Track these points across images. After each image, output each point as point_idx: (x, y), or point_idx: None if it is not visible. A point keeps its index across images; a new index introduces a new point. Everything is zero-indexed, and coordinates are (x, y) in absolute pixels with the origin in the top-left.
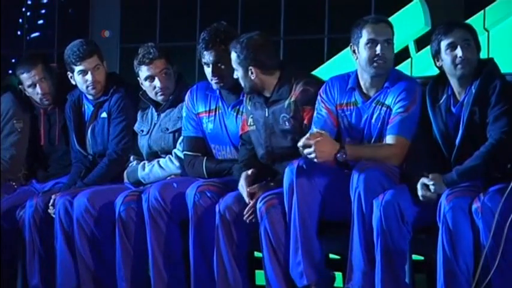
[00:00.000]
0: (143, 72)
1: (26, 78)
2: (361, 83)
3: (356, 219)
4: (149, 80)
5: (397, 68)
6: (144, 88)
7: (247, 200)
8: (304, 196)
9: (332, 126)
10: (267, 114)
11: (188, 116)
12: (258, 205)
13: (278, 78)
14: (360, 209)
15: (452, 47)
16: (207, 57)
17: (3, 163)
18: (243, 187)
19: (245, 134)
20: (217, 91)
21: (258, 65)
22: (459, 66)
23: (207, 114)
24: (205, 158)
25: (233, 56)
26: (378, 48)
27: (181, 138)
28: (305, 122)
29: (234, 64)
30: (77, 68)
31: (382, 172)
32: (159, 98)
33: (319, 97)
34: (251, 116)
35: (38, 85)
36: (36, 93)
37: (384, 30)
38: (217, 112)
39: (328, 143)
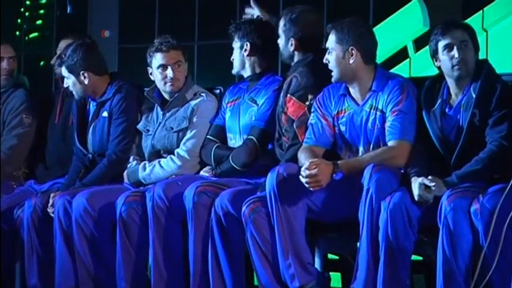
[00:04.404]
0: (157, 59)
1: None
2: (350, 89)
3: (366, 220)
4: (162, 68)
5: (396, 68)
6: (153, 78)
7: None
8: (288, 201)
9: (329, 136)
10: None
11: (221, 106)
12: (242, 210)
13: None
14: (370, 210)
15: (449, 48)
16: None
17: (1, 155)
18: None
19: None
20: (247, 83)
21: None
22: (456, 67)
23: (230, 104)
24: (216, 144)
25: (281, 23)
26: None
27: (185, 138)
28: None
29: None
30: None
31: (392, 173)
32: (168, 89)
33: (316, 106)
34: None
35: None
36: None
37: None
38: (236, 102)
39: (326, 168)
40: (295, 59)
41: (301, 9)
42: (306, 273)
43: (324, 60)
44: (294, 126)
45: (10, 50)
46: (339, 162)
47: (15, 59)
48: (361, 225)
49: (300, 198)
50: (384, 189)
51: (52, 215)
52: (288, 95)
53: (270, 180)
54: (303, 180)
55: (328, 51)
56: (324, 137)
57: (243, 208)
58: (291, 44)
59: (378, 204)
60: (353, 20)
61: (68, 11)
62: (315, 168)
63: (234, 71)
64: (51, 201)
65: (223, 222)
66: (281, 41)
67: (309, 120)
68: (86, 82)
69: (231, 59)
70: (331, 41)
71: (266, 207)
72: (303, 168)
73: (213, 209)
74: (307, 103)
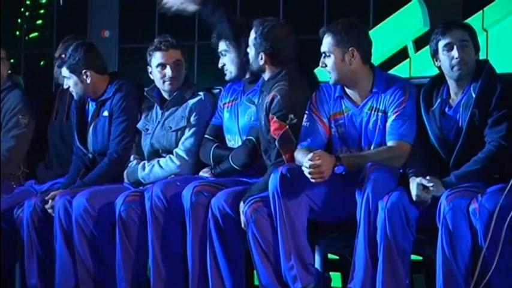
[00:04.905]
0: (156, 58)
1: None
2: (347, 91)
3: (362, 220)
4: (161, 67)
5: (396, 68)
6: (152, 77)
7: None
8: (290, 202)
9: (323, 137)
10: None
11: (218, 105)
12: (244, 209)
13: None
14: (367, 209)
15: (449, 47)
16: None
17: (0, 156)
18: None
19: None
20: (242, 84)
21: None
22: (456, 67)
23: (227, 105)
24: (215, 144)
25: (252, 35)
26: None
27: (183, 137)
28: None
29: (250, 42)
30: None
31: (389, 172)
32: (167, 88)
33: (311, 105)
34: None
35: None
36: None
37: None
38: (233, 103)
39: (328, 160)
40: (267, 73)
41: (273, 23)
42: (307, 274)
43: (320, 64)
44: (277, 146)
45: (2, 50)
46: (340, 155)
47: (7, 59)
48: (358, 224)
49: (302, 199)
50: (380, 188)
51: (49, 211)
52: (270, 115)
53: (272, 181)
54: (306, 171)
55: (324, 55)
56: (319, 138)
57: (245, 208)
58: (261, 58)
59: (375, 204)
60: (347, 20)
61: (61, 2)
62: (318, 159)
63: (227, 77)
64: (50, 198)
65: (221, 222)
66: (251, 53)
67: (303, 122)
68: (88, 81)
69: (222, 64)
70: (329, 44)
71: (268, 207)
72: (306, 160)
73: (210, 210)
74: (288, 122)
